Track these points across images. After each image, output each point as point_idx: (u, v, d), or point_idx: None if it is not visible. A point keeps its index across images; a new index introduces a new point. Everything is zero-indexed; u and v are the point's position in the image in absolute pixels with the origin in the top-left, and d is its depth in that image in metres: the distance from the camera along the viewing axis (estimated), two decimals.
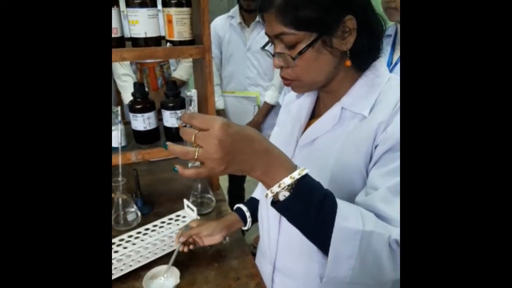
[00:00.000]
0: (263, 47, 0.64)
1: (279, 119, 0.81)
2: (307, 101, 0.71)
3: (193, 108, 0.56)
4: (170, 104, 1.03)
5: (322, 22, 0.54)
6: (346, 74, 0.62)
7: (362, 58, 0.60)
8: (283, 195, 0.46)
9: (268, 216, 0.73)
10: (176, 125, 0.75)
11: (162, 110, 1.06)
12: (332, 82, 0.62)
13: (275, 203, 0.48)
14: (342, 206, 0.48)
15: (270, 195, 0.47)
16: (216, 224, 0.84)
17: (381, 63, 0.63)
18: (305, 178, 0.47)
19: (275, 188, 0.46)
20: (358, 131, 0.59)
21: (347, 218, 0.47)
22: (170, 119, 1.04)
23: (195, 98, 0.56)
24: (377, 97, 0.59)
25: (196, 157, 0.43)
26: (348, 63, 0.59)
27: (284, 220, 0.65)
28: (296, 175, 0.46)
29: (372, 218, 0.50)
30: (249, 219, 0.87)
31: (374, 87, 0.61)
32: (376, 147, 0.56)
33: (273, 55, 0.59)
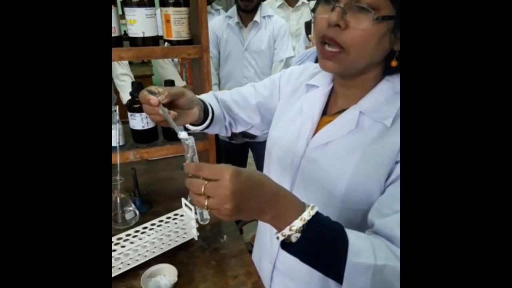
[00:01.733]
0: (314, 9, 0.56)
1: (281, 107, 0.74)
2: (320, 96, 0.66)
3: (192, 154, 0.52)
4: None
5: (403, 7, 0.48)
6: (378, 73, 0.58)
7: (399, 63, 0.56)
8: (295, 237, 0.45)
9: None
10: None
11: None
12: (361, 76, 0.58)
13: (287, 245, 0.47)
14: (353, 240, 0.47)
15: (281, 238, 0.46)
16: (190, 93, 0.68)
17: None
18: (315, 217, 0.46)
19: (286, 231, 0.45)
20: (380, 143, 0.55)
21: (359, 254, 0.46)
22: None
23: (192, 144, 0.52)
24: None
25: (206, 207, 0.43)
26: (394, 63, 0.55)
27: None
28: (306, 216, 0.45)
29: (383, 250, 0.48)
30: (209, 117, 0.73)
31: (396, 95, 0.56)
32: (397, 162, 0.53)
33: (333, 8, 0.51)
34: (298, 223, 0.45)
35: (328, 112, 0.65)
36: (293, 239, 0.46)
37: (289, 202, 0.47)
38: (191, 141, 0.52)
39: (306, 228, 0.45)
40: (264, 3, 1.80)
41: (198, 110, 0.67)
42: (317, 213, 0.47)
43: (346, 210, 0.58)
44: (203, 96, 0.77)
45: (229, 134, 0.87)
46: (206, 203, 0.43)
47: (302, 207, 0.46)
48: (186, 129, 0.72)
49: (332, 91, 0.66)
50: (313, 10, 0.57)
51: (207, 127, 0.74)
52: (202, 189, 0.43)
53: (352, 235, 0.48)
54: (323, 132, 0.62)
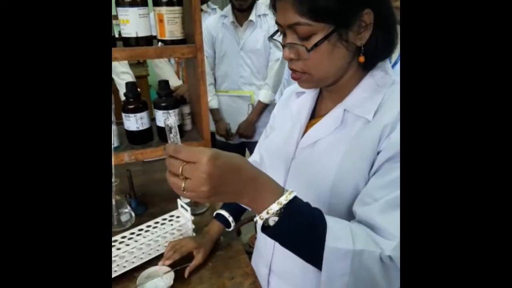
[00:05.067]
0: (271, 37, 0.61)
1: (276, 119, 0.79)
2: (307, 100, 0.68)
3: (174, 137, 0.52)
4: (163, 104, 1.03)
5: (340, 14, 0.52)
6: (355, 72, 0.60)
7: (373, 56, 0.58)
8: (273, 220, 0.46)
9: None
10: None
11: (155, 110, 1.05)
12: (340, 80, 0.60)
13: (266, 229, 0.48)
14: (333, 226, 0.48)
15: (260, 222, 0.47)
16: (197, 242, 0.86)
17: (387, 64, 0.61)
18: (293, 202, 0.47)
19: (264, 215, 0.46)
20: (362, 136, 0.57)
21: (338, 238, 0.47)
22: (162, 118, 1.04)
23: (175, 126, 0.52)
24: (381, 99, 0.57)
25: (182, 189, 0.43)
26: (362, 59, 0.57)
27: None
28: (283, 200, 0.46)
29: (363, 236, 0.50)
30: (232, 223, 0.89)
31: (378, 89, 0.59)
32: (378, 153, 0.55)
33: (283, 46, 0.56)
34: (275, 207, 0.46)
35: (317, 114, 0.67)
36: (271, 223, 0.47)
37: (268, 187, 0.47)
38: (172, 121, 0.51)
39: (284, 212, 0.46)
40: (259, 2, 1.79)
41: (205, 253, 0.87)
42: (295, 197, 0.47)
43: (334, 205, 0.59)
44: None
45: None
46: (183, 185, 0.42)
47: (281, 191, 0.47)
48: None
49: (320, 95, 0.69)
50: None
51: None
52: (180, 170, 0.42)
53: (331, 220, 0.49)
54: (311, 132, 0.64)
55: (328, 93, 0.66)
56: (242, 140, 1.89)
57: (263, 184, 0.47)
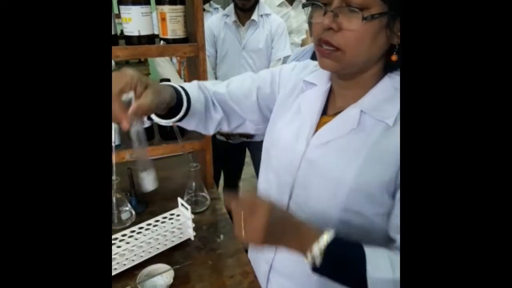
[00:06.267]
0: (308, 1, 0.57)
1: (285, 87, 0.72)
2: (318, 95, 0.65)
3: (141, 145, 0.54)
4: None
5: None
6: (377, 72, 0.58)
7: (400, 57, 0.55)
8: (318, 261, 0.52)
9: None
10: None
11: None
12: (362, 74, 0.58)
13: (313, 269, 0.54)
14: (371, 257, 0.52)
15: (308, 264, 0.53)
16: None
17: None
18: (332, 243, 0.52)
19: (309, 258, 0.53)
20: (384, 143, 0.55)
21: (378, 269, 0.51)
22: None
23: (142, 132, 0.54)
24: None
25: (242, 238, 0.52)
26: (394, 57, 0.55)
27: None
28: (322, 244, 0.52)
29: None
30: (183, 108, 0.66)
31: (397, 94, 0.56)
32: None
33: (325, 12, 0.53)
34: (317, 251, 0.52)
35: (328, 112, 0.64)
36: (317, 264, 0.52)
37: (309, 233, 0.54)
38: (142, 132, 0.56)
39: (326, 253, 0.52)
40: (262, 2, 1.79)
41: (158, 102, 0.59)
42: (334, 238, 0.53)
43: (348, 212, 0.58)
44: (186, 85, 0.71)
45: (211, 132, 0.78)
46: (243, 233, 0.51)
47: (321, 235, 0.53)
48: (150, 119, 0.68)
49: (330, 91, 0.66)
50: (309, 17, 0.58)
51: (180, 120, 0.68)
52: (242, 223, 0.51)
53: (370, 252, 0.53)
54: (324, 131, 0.61)
55: (341, 90, 0.63)
56: (243, 140, 1.89)
57: (305, 232, 0.54)
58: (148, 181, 0.59)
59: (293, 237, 0.53)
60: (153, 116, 0.66)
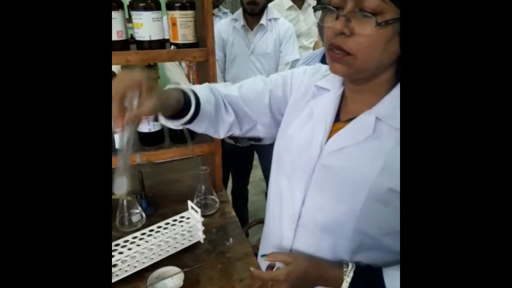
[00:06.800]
0: (319, 3, 0.57)
1: (297, 91, 0.72)
2: (331, 101, 0.65)
3: (128, 150, 0.54)
4: None
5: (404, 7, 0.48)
6: (389, 77, 0.57)
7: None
8: None
9: (281, 223, 0.70)
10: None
11: None
12: (374, 80, 0.58)
13: None
14: (390, 283, 0.57)
15: None
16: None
17: None
18: (353, 281, 0.58)
19: None
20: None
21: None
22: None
23: (132, 138, 0.54)
24: None
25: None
26: None
27: (300, 229, 0.65)
28: (349, 280, 0.58)
29: None
30: (191, 110, 0.65)
31: None
32: None
33: (337, 17, 0.52)
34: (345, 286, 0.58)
35: (341, 118, 0.64)
36: None
37: (333, 275, 0.60)
38: (131, 139, 0.55)
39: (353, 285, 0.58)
40: (270, 6, 1.80)
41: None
42: (353, 276, 0.58)
43: (364, 221, 0.58)
44: (196, 87, 0.70)
45: (222, 136, 0.76)
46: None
47: (342, 275, 0.59)
48: (156, 120, 0.66)
49: (342, 96, 0.65)
50: (320, 21, 0.58)
51: (189, 122, 0.66)
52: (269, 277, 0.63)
53: (388, 278, 0.57)
54: (338, 137, 0.61)
55: (354, 95, 0.62)
56: (251, 143, 1.90)
57: (330, 275, 0.60)
58: (120, 186, 0.58)
59: (320, 282, 0.61)
60: (161, 118, 0.65)
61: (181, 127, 0.69)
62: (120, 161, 0.55)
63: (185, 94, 0.65)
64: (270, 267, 0.67)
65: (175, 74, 1.87)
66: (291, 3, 2.15)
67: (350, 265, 0.59)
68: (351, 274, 0.58)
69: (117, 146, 1.03)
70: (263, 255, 0.67)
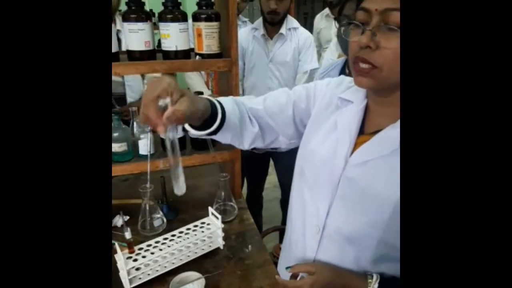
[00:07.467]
0: (345, 20, 0.58)
1: (320, 103, 0.74)
2: (356, 113, 0.65)
3: (174, 152, 0.58)
4: None
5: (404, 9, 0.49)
6: None
7: None
8: None
9: (305, 234, 0.71)
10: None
11: None
12: (397, 93, 0.58)
13: None
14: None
15: None
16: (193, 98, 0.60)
17: None
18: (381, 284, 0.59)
19: None
20: None
21: None
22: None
23: (176, 139, 0.58)
24: None
25: None
26: None
27: (324, 240, 0.66)
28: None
29: None
30: (218, 121, 0.66)
31: None
32: None
33: (363, 31, 0.53)
34: None
35: (365, 130, 0.64)
36: None
37: (357, 287, 0.61)
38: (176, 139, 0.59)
39: None
40: (290, 16, 1.82)
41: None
42: (381, 280, 0.60)
43: (389, 233, 0.58)
44: (221, 99, 0.72)
45: (246, 147, 0.77)
46: None
47: (366, 286, 0.60)
48: (184, 130, 0.68)
49: (366, 108, 0.66)
50: (345, 35, 0.59)
51: (214, 133, 0.68)
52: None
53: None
54: (363, 150, 0.61)
55: (378, 107, 0.63)
56: (267, 150, 1.91)
57: (355, 285, 0.61)
58: (178, 187, 0.63)
59: None
60: (188, 128, 0.67)
61: (206, 137, 0.72)
62: (173, 164, 0.59)
63: (211, 104, 0.66)
64: (294, 276, 0.68)
65: (195, 81, 1.91)
66: (328, 12, 2.30)
67: (375, 276, 0.60)
68: (376, 285, 0.59)
69: (140, 151, 1.06)
70: (287, 267, 0.67)
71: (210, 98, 0.69)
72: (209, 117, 0.65)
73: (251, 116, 0.75)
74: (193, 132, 0.67)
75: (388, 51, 0.53)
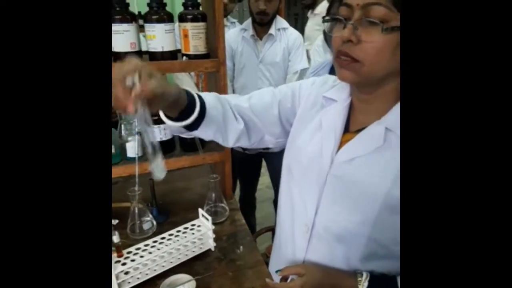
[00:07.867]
0: (328, 12, 0.59)
1: (305, 102, 0.73)
2: (340, 111, 0.66)
3: (149, 127, 0.55)
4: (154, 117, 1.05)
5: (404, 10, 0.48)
6: (396, 86, 0.57)
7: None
8: None
9: (294, 234, 0.71)
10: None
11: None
12: (381, 88, 0.58)
13: None
14: None
15: None
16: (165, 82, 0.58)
17: None
18: (371, 282, 0.59)
19: None
20: None
21: None
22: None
23: (148, 114, 0.54)
24: None
25: None
26: None
27: (313, 239, 0.65)
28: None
29: None
30: (196, 113, 0.64)
31: None
32: None
33: (345, 26, 0.54)
34: None
35: (350, 128, 0.65)
36: None
37: (348, 286, 0.61)
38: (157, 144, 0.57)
39: None
40: (279, 16, 1.83)
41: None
42: (368, 286, 0.59)
43: (378, 230, 0.58)
44: (203, 93, 0.69)
45: (231, 145, 0.76)
46: None
47: (356, 284, 0.60)
48: (160, 121, 0.66)
49: (350, 106, 0.66)
50: (329, 31, 0.59)
51: (194, 126, 0.66)
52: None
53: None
54: (348, 148, 0.62)
55: (362, 104, 0.63)
56: (259, 150, 1.91)
57: (345, 284, 0.61)
58: (158, 170, 0.59)
59: None
60: (164, 118, 0.64)
61: (190, 135, 0.70)
62: (148, 146, 0.56)
63: (188, 95, 0.63)
64: (284, 278, 0.67)
65: (184, 82, 1.90)
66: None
67: (365, 274, 0.60)
68: (366, 284, 0.59)
69: (128, 154, 1.05)
70: (277, 271, 0.67)
71: (188, 89, 0.65)
72: (186, 107, 0.62)
73: (235, 113, 0.74)
74: (169, 123, 0.64)
75: (369, 45, 0.53)
